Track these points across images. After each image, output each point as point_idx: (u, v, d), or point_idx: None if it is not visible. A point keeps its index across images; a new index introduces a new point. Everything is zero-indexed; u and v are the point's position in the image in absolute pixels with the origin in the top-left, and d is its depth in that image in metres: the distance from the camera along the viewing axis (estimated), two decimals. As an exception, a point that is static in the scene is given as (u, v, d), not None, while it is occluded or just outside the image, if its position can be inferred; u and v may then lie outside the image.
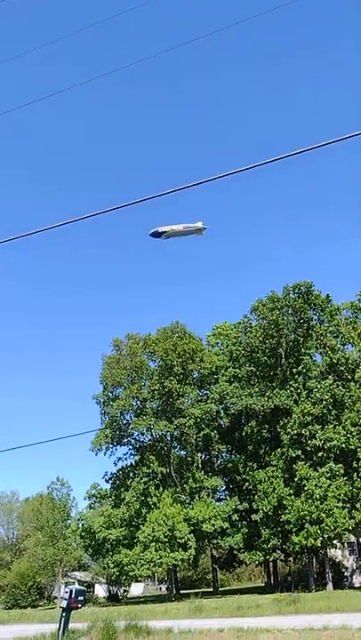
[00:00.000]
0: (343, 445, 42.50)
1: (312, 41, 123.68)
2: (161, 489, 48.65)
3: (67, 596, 16.37)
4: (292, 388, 46.23)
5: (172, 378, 48.87)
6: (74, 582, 49.72)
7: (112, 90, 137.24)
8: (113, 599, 58.30)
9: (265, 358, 49.60)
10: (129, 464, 53.23)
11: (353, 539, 48.01)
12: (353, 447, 42.32)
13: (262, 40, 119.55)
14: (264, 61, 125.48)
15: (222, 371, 53.28)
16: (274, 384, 48.91)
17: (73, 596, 16.25)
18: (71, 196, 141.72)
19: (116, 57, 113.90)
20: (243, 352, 51.37)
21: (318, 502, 41.24)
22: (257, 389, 49.35)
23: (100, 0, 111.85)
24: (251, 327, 51.30)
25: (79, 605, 16.76)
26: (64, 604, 16.42)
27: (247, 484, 48.48)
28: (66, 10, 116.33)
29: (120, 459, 53.26)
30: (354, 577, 48.14)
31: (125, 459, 53.43)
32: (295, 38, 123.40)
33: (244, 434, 50.04)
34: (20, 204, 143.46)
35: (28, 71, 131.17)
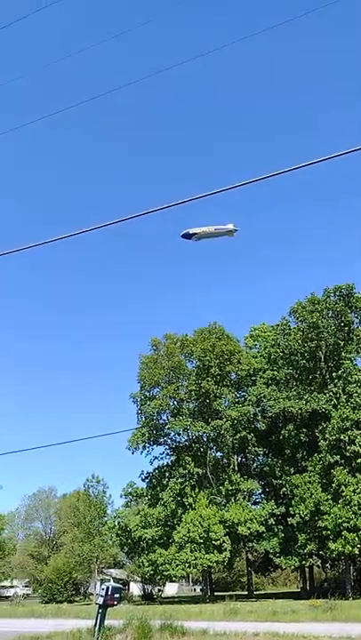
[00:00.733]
0: (384, 452, 41.64)
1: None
2: (197, 490, 48.66)
3: (103, 592, 16.53)
4: (331, 393, 45.52)
5: (209, 379, 48.85)
6: (109, 579, 50.23)
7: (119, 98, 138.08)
8: (147, 598, 58.64)
9: (304, 361, 49.00)
10: (165, 464, 53.49)
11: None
12: (394, 454, 41.44)
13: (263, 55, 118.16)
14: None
15: (260, 373, 52.92)
16: (312, 387, 48.28)
17: (109, 593, 16.41)
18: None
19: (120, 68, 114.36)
20: (281, 354, 50.88)
21: (356, 508, 40.50)
22: (295, 392, 48.80)
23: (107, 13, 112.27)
24: (290, 329, 50.78)
25: (115, 603, 16.93)
26: (100, 600, 16.58)
27: (284, 488, 47.99)
28: (69, 24, 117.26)
29: (156, 458, 53.62)
30: (393, 587, 47.08)
31: (161, 458, 53.75)
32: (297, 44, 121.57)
33: (281, 437, 49.54)
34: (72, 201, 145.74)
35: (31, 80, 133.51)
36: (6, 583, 76.65)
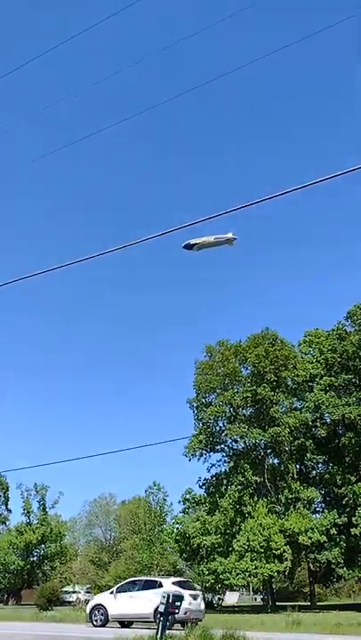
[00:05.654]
0: None
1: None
2: (255, 498, 48.12)
3: (164, 601, 16.64)
4: (392, 398, 44.11)
5: (264, 385, 48.34)
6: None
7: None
8: (208, 606, 58.01)
9: (362, 366, 47.73)
10: (222, 471, 53.21)
11: None
12: None
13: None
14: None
15: (317, 379, 51.84)
16: (372, 393, 46.94)
17: (170, 601, 16.52)
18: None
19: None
20: (338, 360, 49.71)
21: None
22: (355, 399, 47.55)
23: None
24: (346, 334, 49.60)
25: (176, 611, 17.01)
26: (162, 608, 16.69)
27: (346, 497, 46.71)
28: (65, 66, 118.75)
29: (213, 465, 53.46)
30: None
31: (219, 465, 53.51)
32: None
33: (341, 444, 48.38)
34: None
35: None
36: (69, 588, 78.06)
